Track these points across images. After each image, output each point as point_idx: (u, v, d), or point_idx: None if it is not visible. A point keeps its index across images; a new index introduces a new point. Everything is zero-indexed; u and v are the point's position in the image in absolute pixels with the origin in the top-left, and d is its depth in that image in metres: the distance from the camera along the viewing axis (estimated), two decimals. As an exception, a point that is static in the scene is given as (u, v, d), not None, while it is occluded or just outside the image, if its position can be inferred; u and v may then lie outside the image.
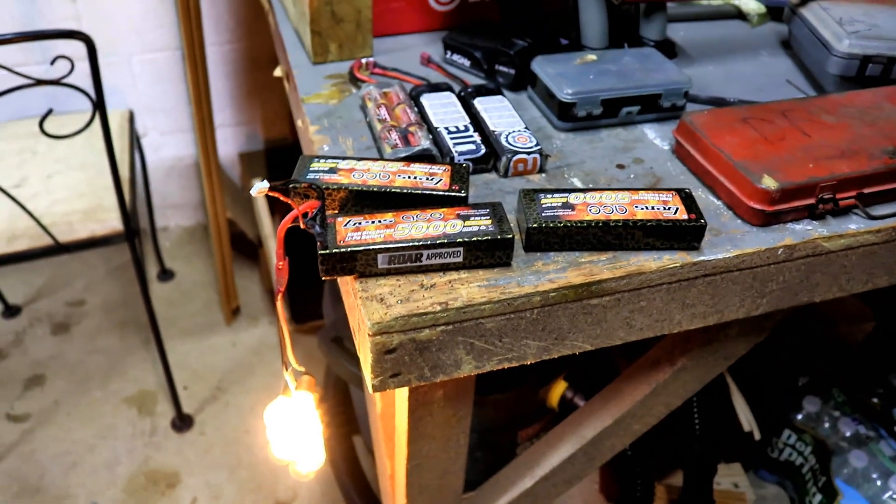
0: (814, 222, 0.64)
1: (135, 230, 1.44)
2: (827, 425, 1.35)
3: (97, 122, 1.25)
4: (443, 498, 0.81)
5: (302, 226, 0.56)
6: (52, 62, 1.11)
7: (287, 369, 0.66)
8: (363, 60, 0.85)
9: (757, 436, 1.25)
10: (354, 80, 0.83)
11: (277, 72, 1.01)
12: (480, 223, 0.57)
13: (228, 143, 2.16)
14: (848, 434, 1.32)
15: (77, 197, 1.43)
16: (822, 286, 0.67)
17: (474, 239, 0.55)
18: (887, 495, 1.25)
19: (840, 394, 1.39)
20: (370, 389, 0.58)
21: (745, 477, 1.43)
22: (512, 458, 1.02)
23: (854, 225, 0.64)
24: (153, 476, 1.60)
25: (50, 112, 1.19)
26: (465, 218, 0.57)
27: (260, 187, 0.49)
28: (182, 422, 1.69)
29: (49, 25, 1.80)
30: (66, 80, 1.14)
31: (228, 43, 1.98)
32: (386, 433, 0.89)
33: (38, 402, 1.75)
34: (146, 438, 1.67)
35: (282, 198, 0.52)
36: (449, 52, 0.87)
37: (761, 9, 0.99)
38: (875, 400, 1.39)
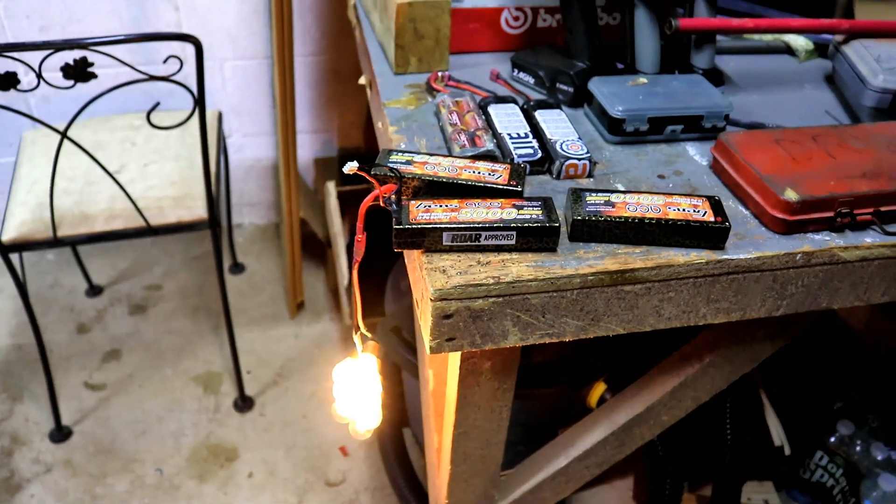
0: (832, 234, 0.71)
1: (217, 219, 1.57)
2: (859, 448, 1.38)
3: (194, 118, 1.39)
4: (484, 468, 0.90)
5: (381, 204, 0.66)
6: (165, 61, 1.25)
7: (356, 332, 0.76)
8: (439, 73, 0.96)
9: (787, 451, 1.29)
10: (430, 90, 0.94)
11: (362, 80, 1.13)
12: (532, 212, 0.66)
13: (305, 149, 2.31)
14: (880, 458, 1.35)
15: (168, 185, 1.58)
16: (842, 293, 0.74)
17: (526, 225, 0.65)
18: (915, 520, 1.28)
19: (875, 420, 1.42)
20: (427, 350, 0.68)
21: (776, 495, 1.47)
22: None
23: (870, 238, 0.72)
24: (214, 449, 1.72)
25: (157, 105, 1.33)
26: (520, 207, 0.67)
27: (351, 166, 0.60)
28: (244, 402, 1.82)
29: (154, 30, 1.97)
30: (172, 78, 1.28)
31: (312, 55, 2.12)
32: (436, 408, 0.98)
33: (115, 374, 1.91)
34: (210, 415, 1.80)
35: (367, 177, 0.63)
36: (516, 70, 0.97)
37: (809, 45, 1.06)
38: (910, 429, 1.42)
